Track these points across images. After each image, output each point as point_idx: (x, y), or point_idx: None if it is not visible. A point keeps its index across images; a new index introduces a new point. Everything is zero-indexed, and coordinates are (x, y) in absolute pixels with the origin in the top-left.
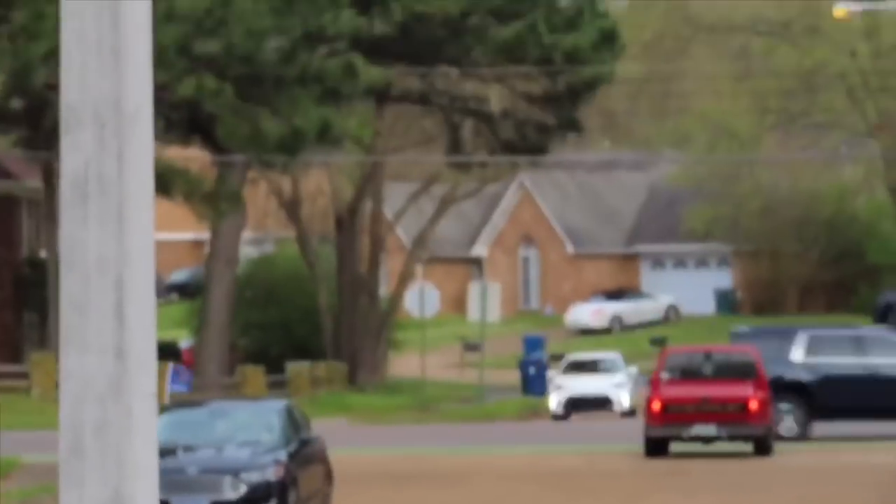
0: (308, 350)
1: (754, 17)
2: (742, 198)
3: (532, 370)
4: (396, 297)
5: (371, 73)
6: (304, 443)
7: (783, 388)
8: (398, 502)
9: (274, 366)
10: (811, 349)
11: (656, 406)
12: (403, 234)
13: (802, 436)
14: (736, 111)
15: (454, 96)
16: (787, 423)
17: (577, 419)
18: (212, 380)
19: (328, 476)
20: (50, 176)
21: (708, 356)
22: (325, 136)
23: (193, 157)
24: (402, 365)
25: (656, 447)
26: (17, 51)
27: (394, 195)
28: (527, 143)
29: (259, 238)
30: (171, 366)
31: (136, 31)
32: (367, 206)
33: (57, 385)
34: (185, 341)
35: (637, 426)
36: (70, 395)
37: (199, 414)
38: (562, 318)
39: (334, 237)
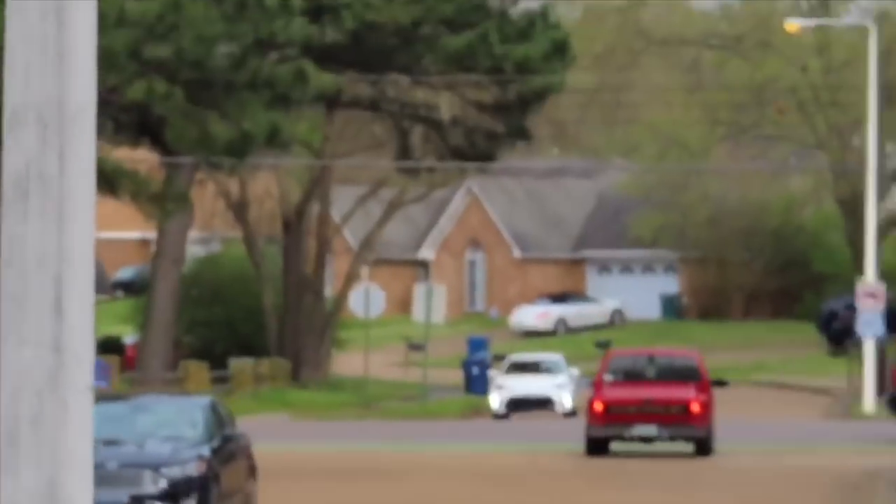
0: (252, 348)
1: (706, 32)
2: (690, 207)
3: (475, 370)
4: (341, 297)
5: (322, 79)
6: (228, 439)
7: None
8: (338, 498)
9: (218, 362)
10: None
11: (598, 406)
12: (350, 236)
13: None
14: (686, 122)
15: (404, 103)
16: None
17: (518, 419)
18: (155, 375)
19: (252, 473)
20: None
21: (651, 359)
22: (274, 140)
23: (142, 158)
24: (346, 363)
25: (597, 447)
26: None
27: (342, 198)
28: (475, 149)
29: (206, 238)
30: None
31: (82, 32)
32: (315, 208)
33: None
34: (129, 337)
35: (578, 427)
36: (8, 386)
37: (121, 408)
38: (507, 320)
39: (281, 238)
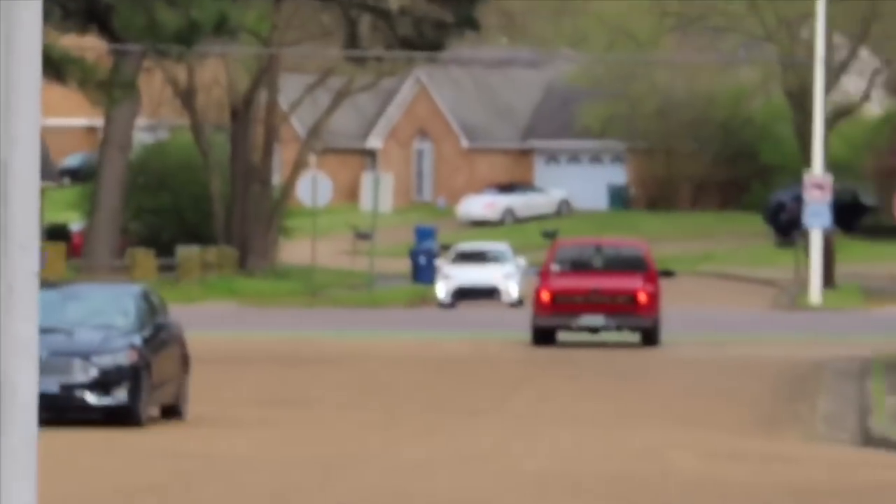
0: (199, 236)
1: None
2: (638, 98)
3: (422, 259)
4: (289, 186)
5: None
6: (160, 328)
7: None
8: (284, 383)
9: (165, 250)
10: None
11: (545, 296)
12: (298, 124)
13: None
14: (635, 13)
15: None
16: None
17: (464, 308)
18: (101, 262)
19: (185, 362)
20: None
21: (598, 249)
22: (222, 28)
23: (90, 45)
24: (293, 252)
25: (544, 336)
26: None
27: (290, 87)
28: (424, 39)
29: (153, 125)
30: None
31: None
32: (263, 96)
33: None
34: (76, 225)
35: (525, 316)
36: None
37: (52, 297)
38: (454, 210)
39: (229, 126)
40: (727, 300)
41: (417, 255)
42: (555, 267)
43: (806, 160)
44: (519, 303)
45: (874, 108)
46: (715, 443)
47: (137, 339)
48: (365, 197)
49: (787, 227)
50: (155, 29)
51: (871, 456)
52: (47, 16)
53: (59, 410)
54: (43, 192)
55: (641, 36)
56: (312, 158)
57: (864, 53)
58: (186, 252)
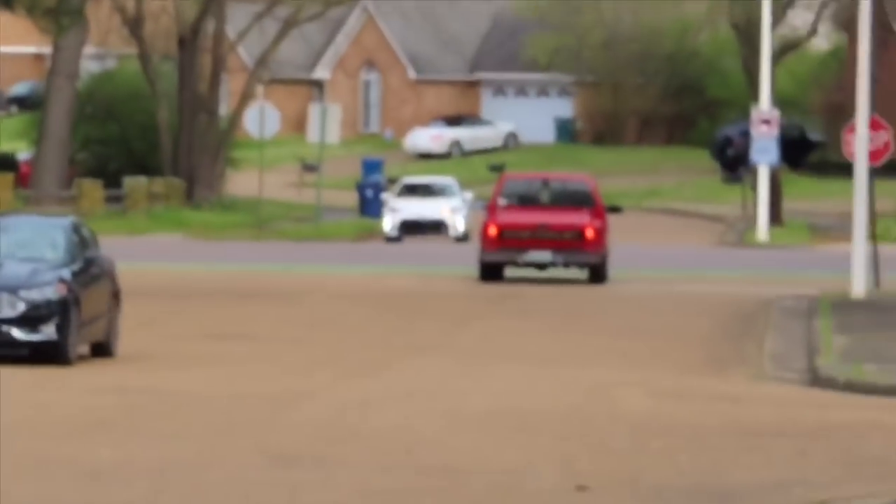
0: (147, 167)
1: None
2: (585, 30)
3: (369, 192)
4: (236, 117)
5: None
6: (91, 262)
7: None
8: (230, 317)
9: (112, 181)
10: None
11: (492, 231)
12: (246, 54)
13: None
14: None
15: None
16: None
17: (410, 242)
18: (48, 192)
19: (116, 297)
20: None
21: (546, 183)
22: None
23: None
24: (240, 183)
25: (491, 272)
26: None
27: (237, 16)
28: None
29: (101, 54)
30: None
31: None
32: (210, 25)
33: None
34: (23, 154)
35: (471, 251)
36: None
37: None
38: (401, 142)
39: (176, 56)
40: (674, 236)
41: (364, 188)
42: (502, 201)
43: (753, 95)
44: (465, 237)
45: (822, 43)
46: (662, 381)
47: (67, 273)
48: (312, 128)
49: (734, 163)
50: None
51: (818, 395)
52: None
53: None
54: None
55: None
56: (260, 89)
57: None
58: (134, 183)
